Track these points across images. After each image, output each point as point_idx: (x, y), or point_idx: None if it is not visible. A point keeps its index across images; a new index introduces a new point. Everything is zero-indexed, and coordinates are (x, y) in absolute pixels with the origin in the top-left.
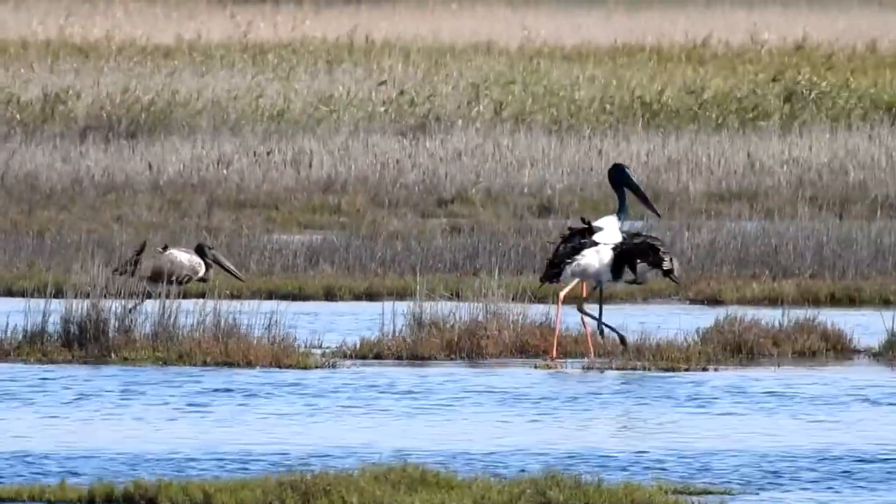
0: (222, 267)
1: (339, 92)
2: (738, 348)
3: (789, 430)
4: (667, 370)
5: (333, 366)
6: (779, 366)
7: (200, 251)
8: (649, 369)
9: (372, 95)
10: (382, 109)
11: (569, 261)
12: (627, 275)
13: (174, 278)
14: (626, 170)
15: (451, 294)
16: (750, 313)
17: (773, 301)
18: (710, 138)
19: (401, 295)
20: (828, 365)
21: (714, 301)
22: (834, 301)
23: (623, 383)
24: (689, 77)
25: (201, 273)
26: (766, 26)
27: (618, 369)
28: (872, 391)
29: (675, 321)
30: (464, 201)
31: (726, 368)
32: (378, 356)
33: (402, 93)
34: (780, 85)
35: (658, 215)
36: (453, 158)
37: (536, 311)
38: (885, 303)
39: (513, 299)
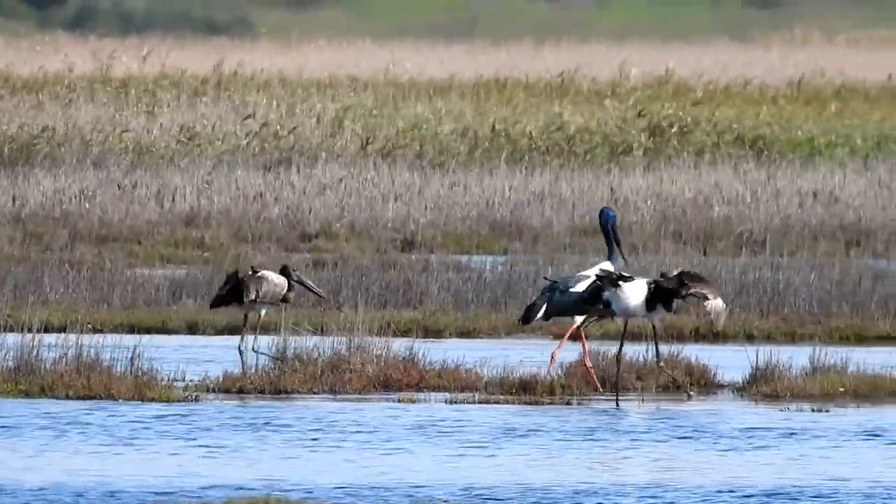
0: (306, 287)
1: (203, 125)
2: (602, 382)
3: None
4: (530, 404)
5: (196, 399)
6: (643, 400)
7: (285, 272)
8: (512, 403)
9: (236, 129)
10: (246, 143)
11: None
12: (661, 312)
13: (270, 298)
14: (614, 216)
15: (315, 328)
16: (613, 348)
17: (636, 336)
18: (574, 173)
19: (264, 329)
20: (692, 401)
21: (578, 336)
22: (698, 336)
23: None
24: (553, 111)
25: (285, 292)
26: (632, 62)
27: (480, 402)
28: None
29: (539, 356)
30: (328, 235)
31: (589, 402)
32: (241, 390)
33: (265, 125)
34: (645, 120)
35: (626, 261)
36: (317, 192)
37: (400, 345)
38: (749, 338)
39: (376, 333)
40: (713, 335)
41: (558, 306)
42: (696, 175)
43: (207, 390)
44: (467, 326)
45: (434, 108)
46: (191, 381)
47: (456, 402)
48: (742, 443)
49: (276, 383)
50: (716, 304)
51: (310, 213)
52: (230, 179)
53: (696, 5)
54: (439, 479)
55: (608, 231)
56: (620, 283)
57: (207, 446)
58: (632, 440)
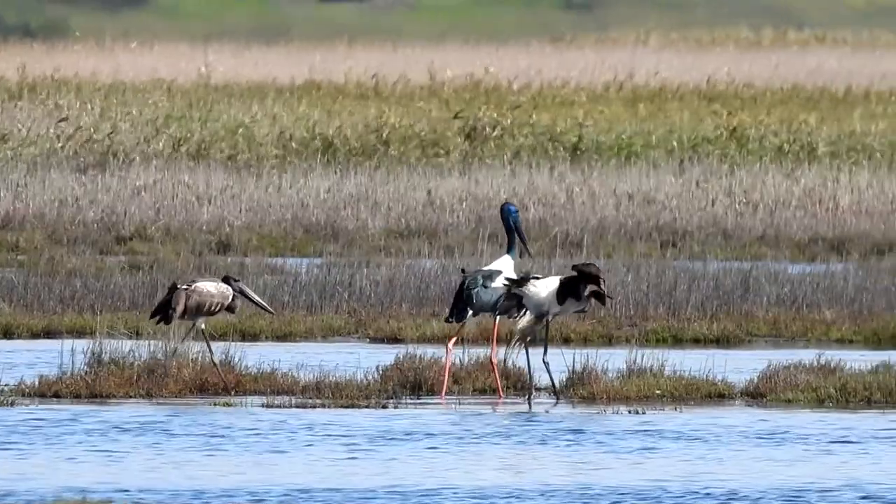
0: (248, 298)
1: (17, 129)
2: (418, 386)
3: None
4: (347, 407)
5: (12, 404)
6: (459, 403)
7: (227, 281)
8: (328, 406)
9: (50, 132)
10: (61, 146)
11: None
12: (573, 305)
13: (207, 310)
14: (517, 211)
15: (131, 332)
16: (430, 351)
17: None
18: (389, 175)
19: (80, 333)
20: (507, 403)
21: (394, 339)
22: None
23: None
24: (369, 114)
25: (229, 302)
26: (447, 64)
27: (296, 406)
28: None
29: (355, 359)
30: (143, 238)
31: (406, 406)
32: (57, 395)
33: (80, 128)
34: (461, 122)
35: (530, 254)
36: (132, 195)
37: (216, 349)
38: (566, 341)
39: (193, 337)
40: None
41: (485, 302)
42: (512, 177)
43: (23, 395)
44: (283, 330)
45: (249, 111)
46: (6, 385)
47: (272, 406)
48: (559, 442)
49: (91, 387)
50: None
51: (125, 215)
52: (45, 182)
53: (510, 7)
54: (252, 480)
55: (510, 226)
56: (532, 281)
57: (20, 450)
58: (443, 441)
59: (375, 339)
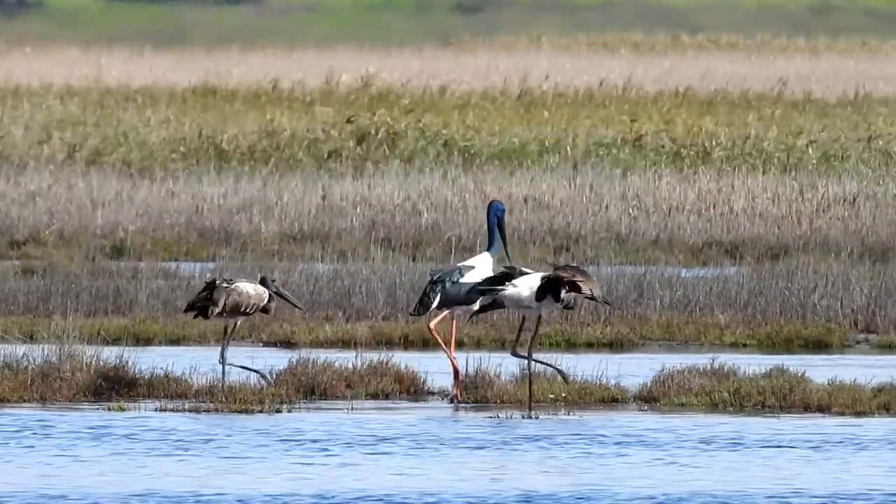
0: (284, 298)
1: None
2: (311, 390)
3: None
4: (240, 412)
5: None
6: (352, 408)
7: (264, 283)
8: (222, 411)
9: None
10: None
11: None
12: (552, 304)
13: (242, 310)
14: (502, 210)
15: (25, 336)
16: (323, 355)
17: (346, 343)
18: (283, 180)
19: None
20: (400, 408)
21: (287, 343)
22: (407, 343)
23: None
24: (263, 118)
25: (264, 303)
26: (341, 68)
27: (189, 410)
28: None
29: (249, 363)
30: (37, 243)
31: (300, 410)
32: None
33: None
34: (354, 126)
35: (508, 257)
36: (26, 200)
37: (110, 353)
38: (459, 345)
39: (87, 341)
40: (422, 343)
41: (452, 296)
42: (405, 181)
43: None
44: (177, 334)
45: (143, 116)
46: None
47: (166, 410)
48: (453, 449)
49: None
50: (593, 292)
51: (18, 220)
52: None
53: (403, 11)
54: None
55: (492, 224)
56: (518, 276)
57: None
58: (322, 447)
59: (269, 343)
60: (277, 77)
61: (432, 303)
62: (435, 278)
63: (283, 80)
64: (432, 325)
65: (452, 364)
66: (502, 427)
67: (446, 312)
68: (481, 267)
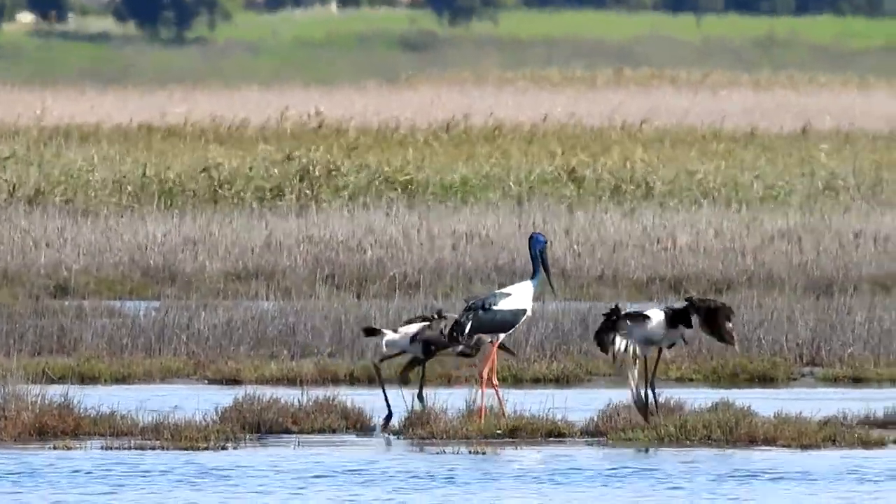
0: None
1: None
2: (257, 427)
3: None
4: (186, 449)
5: None
6: (298, 444)
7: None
8: (168, 448)
9: None
10: None
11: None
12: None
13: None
14: (544, 241)
15: None
16: (269, 392)
17: (291, 380)
18: (226, 218)
19: None
20: (347, 444)
21: (233, 381)
22: (353, 380)
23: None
24: (205, 156)
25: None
26: (284, 105)
27: (135, 448)
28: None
29: (195, 401)
30: None
31: (246, 447)
32: None
33: None
34: (296, 163)
35: (553, 289)
36: None
37: (55, 392)
38: (404, 381)
39: (31, 381)
40: (368, 380)
41: (485, 322)
42: (350, 218)
43: None
44: (122, 372)
45: (85, 154)
46: None
47: (112, 448)
48: (400, 482)
49: None
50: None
51: None
52: None
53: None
54: None
55: (535, 255)
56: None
57: None
58: (266, 483)
59: (214, 381)
60: (221, 115)
61: (465, 328)
62: (470, 304)
63: (226, 119)
64: (484, 373)
65: (493, 383)
66: (448, 462)
67: (493, 357)
68: (519, 294)
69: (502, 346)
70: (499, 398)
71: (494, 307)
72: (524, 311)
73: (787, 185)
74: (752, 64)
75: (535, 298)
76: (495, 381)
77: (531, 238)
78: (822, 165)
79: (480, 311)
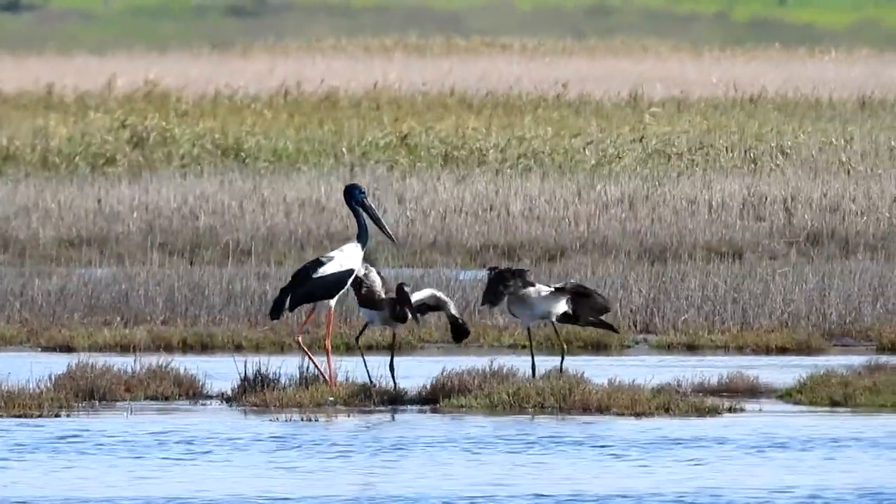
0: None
1: None
2: (90, 394)
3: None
4: (20, 416)
5: None
6: (131, 411)
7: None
8: (2, 416)
9: None
10: None
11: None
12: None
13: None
14: (362, 191)
15: None
16: (102, 360)
17: (125, 347)
18: (59, 184)
19: None
20: (180, 411)
21: (66, 348)
22: (186, 347)
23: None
24: (37, 124)
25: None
26: (117, 73)
27: None
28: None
29: (27, 368)
30: None
31: (79, 415)
32: None
33: None
34: (128, 131)
35: (393, 241)
36: None
37: None
38: (238, 348)
39: None
40: (201, 346)
41: (311, 290)
42: (182, 186)
43: None
44: None
45: None
46: None
47: None
48: (227, 451)
49: None
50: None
51: None
52: None
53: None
54: None
55: (355, 210)
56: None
57: None
58: (102, 450)
59: (47, 349)
60: (53, 82)
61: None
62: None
63: (58, 86)
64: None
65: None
66: (282, 428)
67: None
68: (351, 258)
69: (451, 319)
70: (329, 365)
71: (314, 275)
72: (350, 271)
73: (618, 152)
74: (583, 32)
75: (371, 261)
76: (328, 347)
77: (346, 191)
78: (654, 133)
79: (307, 280)
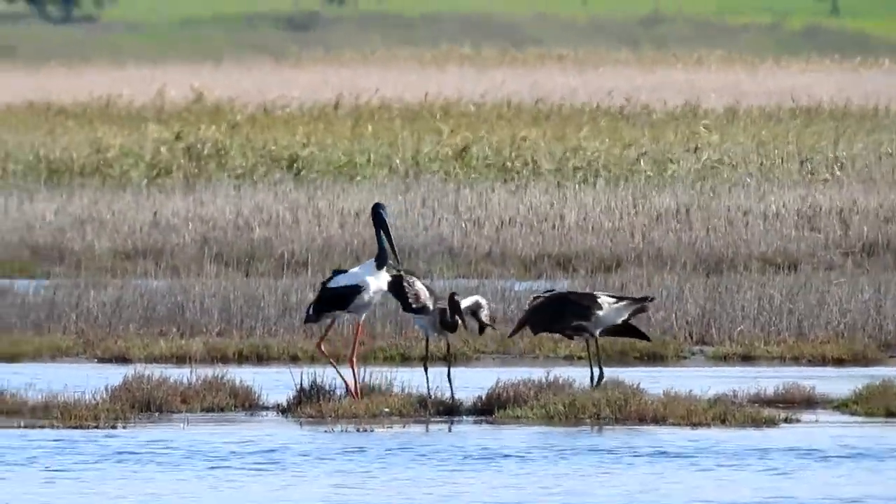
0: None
1: None
2: (147, 406)
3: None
4: (75, 428)
5: None
6: (188, 423)
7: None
8: (57, 427)
9: None
10: None
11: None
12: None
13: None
14: (384, 211)
15: None
16: (158, 371)
17: (181, 359)
18: (114, 196)
19: None
20: (237, 422)
21: (122, 359)
22: (242, 358)
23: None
24: (93, 135)
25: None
26: (170, 84)
27: (25, 427)
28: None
29: (83, 379)
30: None
31: (135, 426)
32: None
33: None
34: (183, 142)
35: (397, 262)
36: None
37: None
38: (293, 359)
39: None
40: (257, 358)
41: (322, 300)
42: (237, 197)
43: None
44: (11, 351)
45: None
46: None
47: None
48: (291, 463)
49: None
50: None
51: None
52: None
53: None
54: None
55: (379, 229)
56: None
57: None
58: (158, 462)
59: (103, 360)
60: (107, 94)
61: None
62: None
63: (112, 97)
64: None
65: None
66: (339, 440)
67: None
68: (355, 273)
69: (478, 320)
70: (354, 377)
71: (328, 285)
72: (357, 287)
73: (673, 162)
74: (637, 42)
75: (424, 276)
76: (354, 361)
77: (374, 211)
78: (708, 143)
79: (321, 291)
